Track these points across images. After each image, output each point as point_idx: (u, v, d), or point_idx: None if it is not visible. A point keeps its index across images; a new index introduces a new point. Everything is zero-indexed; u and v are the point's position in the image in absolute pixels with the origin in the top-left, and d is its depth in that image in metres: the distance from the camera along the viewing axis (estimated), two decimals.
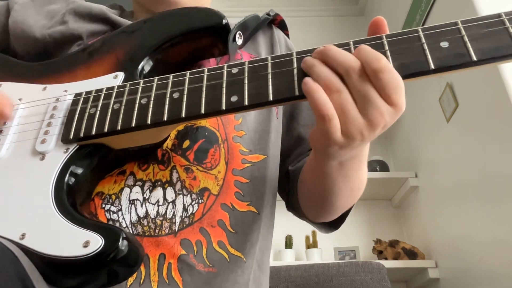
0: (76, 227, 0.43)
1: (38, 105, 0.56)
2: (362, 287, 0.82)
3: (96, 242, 0.41)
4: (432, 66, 0.41)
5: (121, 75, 0.56)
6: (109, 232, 0.42)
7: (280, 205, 0.73)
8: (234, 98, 0.45)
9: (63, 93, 0.56)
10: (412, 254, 1.95)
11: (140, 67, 0.58)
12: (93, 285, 0.42)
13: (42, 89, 0.59)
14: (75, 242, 0.42)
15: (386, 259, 1.96)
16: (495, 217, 1.47)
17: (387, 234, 2.19)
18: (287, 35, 0.80)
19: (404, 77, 0.41)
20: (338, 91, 0.41)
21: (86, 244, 0.41)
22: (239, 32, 0.63)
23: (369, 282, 0.82)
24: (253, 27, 0.69)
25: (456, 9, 1.70)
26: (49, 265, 0.42)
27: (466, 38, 0.41)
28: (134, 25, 0.63)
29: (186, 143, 0.58)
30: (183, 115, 0.47)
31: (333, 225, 0.67)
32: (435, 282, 1.89)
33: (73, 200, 0.48)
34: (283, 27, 0.79)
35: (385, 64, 0.40)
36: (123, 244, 0.41)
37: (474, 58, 0.40)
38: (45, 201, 0.46)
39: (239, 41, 0.63)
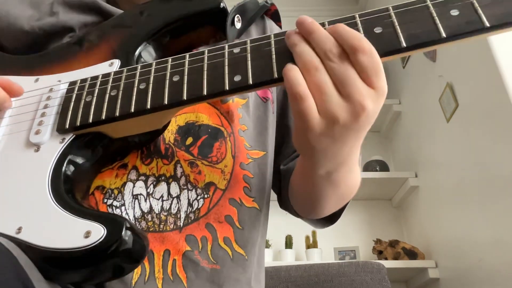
0: (76, 217, 0.41)
1: (30, 96, 0.54)
2: (362, 287, 0.82)
3: (98, 232, 0.39)
4: (444, 35, 0.39)
5: (117, 62, 0.55)
6: (112, 221, 0.40)
7: None
8: (237, 78, 0.44)
9: (56, 82, 0.54)
10: (412, 254, 1.95)
11: (136, 54, 0.55)
12: (96, 279, 0.40)
13: (34, 81, 0.57)
14: (75, 232, 0.39)
15: (386, 259, 1.96)
16: (495, 217, 1.47)
17: (387, 234, 2.19)
18: (280, 27, 0.78)
19: (415, 47, 0.40)
20: (316, 69, 0.39)
21: (87, 235, 0.39)
22: (237, 15, 0.60)
23: (369, 282, 0.82)
24: (252, 11, 0.66)
25: None
26: (48, 260, 0.39)
27: (476, 5, 0.40)
28: (128, 13, 0.61)
29: (189, 140, 0.56)
30: (185, 97, 0.45)
31: (329, 220, 0.66)
32: (435, 282, 1.89)
33: (72, 192, 0.46)
34: (276, 18, 0.77)
35: (365, 44, 0.38)
36: (126, 234, 0.39)
37: (487, 24, 0.38)
38: (42, 193, 0.44)
39: (238, 25, 0.60)
